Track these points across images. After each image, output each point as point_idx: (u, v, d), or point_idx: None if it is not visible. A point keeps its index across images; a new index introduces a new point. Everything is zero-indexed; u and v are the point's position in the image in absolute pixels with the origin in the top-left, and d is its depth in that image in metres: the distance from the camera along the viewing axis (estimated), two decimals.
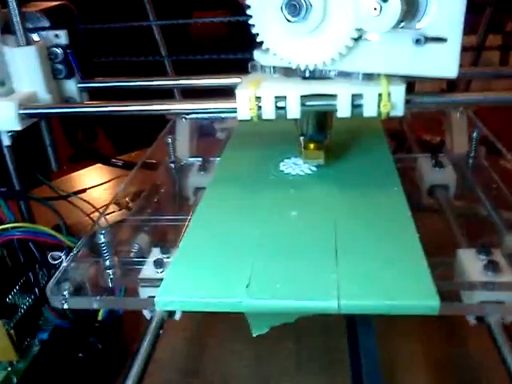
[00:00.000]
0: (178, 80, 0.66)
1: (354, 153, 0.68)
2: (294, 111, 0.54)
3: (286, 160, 0.66)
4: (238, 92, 0.54)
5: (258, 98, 0.54)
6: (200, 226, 0.51)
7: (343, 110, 0.54)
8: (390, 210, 0.52)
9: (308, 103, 0.55)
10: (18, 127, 0.56)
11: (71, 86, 0.64)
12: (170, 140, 0.72)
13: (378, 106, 0.54)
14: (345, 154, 0.68)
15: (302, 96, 0.54)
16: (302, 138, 0.62)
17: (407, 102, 0.54)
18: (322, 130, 0.62)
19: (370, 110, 0.54)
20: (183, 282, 0.42)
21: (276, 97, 0.54)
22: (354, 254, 0.44)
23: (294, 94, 0.54)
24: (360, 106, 0.54)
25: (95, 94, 0.67)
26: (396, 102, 0.53)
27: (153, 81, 0.66)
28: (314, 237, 0.47)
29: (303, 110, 0.55)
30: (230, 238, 0.48)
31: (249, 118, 0.55)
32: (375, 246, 0.45)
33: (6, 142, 0.59)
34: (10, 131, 0.57)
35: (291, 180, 0.60)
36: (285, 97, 0.54)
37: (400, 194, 0.55)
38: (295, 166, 0.64)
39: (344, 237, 0.47)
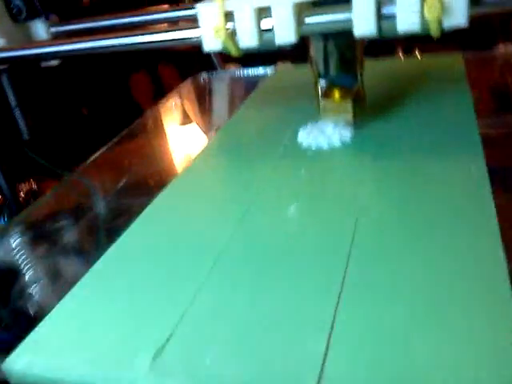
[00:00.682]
0: (153, 14, 0.50)
1: (416, 114, 0.45)
2: (285, 32, 0.35)
3: (309, 126, 0.44)
4: (200, 8, 0.36)
5: (229, 16, 0.36)
6: (142, 224, 0.35)
7: (363, 24, 0.34)
8: (462, 221, 0.30)
9: (308, 19, 0.35)
10: None
11: (38, 30, 0.51)
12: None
13: (421, 12, 0.32)
14: (400, 118, 0.45)
15: (295, 4, 0.34)
16: (320, 82, 0.42)
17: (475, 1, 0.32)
18: (348, 69, 0.41)
19: (406, 20, 0.33)
20: (56, 337, 0.26)
21: (257, 9, 0.35)
22: (372, 308, 0.25)
23: (284, 3, 0.34)
24: (390, 15, 0.33)
25: None
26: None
27: (131, 16, 0.50)
28: (312, 260, 0.28)
29: (302, 31, 0.36)
30: (169, 256, 0.31)
31: (218, 47, 0.37)
32: (425, 295, 0.25)
33: None
34: None
35: (308, 156, 0.41)
36: (269, 9, 0.35)
37: (484, 188, 0.32)
38: (319, 135, 0.42)
39: (361, 267, 0.27)
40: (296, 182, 0.37)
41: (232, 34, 0.36)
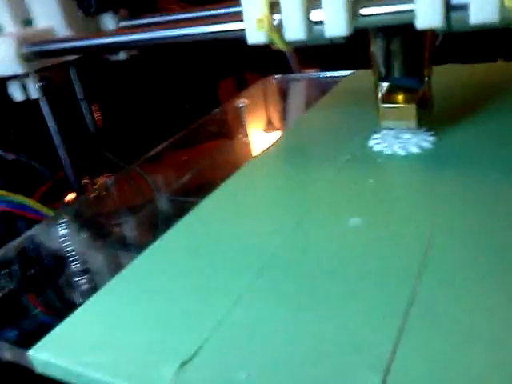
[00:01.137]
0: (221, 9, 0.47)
1: (503, 124, 0.38)
2: (336, 23, 0.31)
3: (384, 131, 0.39)
4: None
5: (275, 6, 0.32)
6: (187, 224, 0.33)
7: (426, 14, 0.29)
8: None
9: (363, 10, 0.31)
10: (20, 69, 0.47)
11: (108, 24, 0.52)
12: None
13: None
14: (490, 126, 0.38)
15: None
16: (381, 85, 0.37)
17: None
18: (413, 70, 0.36)
19: (480, 9, 0.27)
20: (81, 333, 0.24)
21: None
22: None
23: None
24: (460, 5, 0.28)
25: None
26: None
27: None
28: (371, 282, 0.24)
29: (357, 23, 0.31)
30: (211, 260, 0.28)
31: (262, 39, 0.34)
32: None
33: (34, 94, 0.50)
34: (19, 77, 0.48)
35: (379, 162, 0.37)
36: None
37: None
38: (395, 141, 0.38)
39: (430, 297, 0.22)
40: (361, 191, 0.33)
41: (277, 26, 0.33)
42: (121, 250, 0.39)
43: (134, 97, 0.65)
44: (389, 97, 0.36)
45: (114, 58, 0.53)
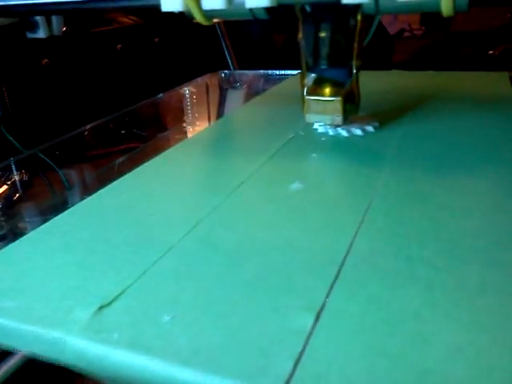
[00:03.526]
0: None
1: (454, 113, 0.40)
2: None
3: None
4: None
5: None
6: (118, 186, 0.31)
7: None
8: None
9: None
10: None
11: None
12: None
13: None
14: (438, 119, 0.40)
15: None
16: (308, 75, 0.35)
17: None
18: (342, 60, 0.34)
19: None
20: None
21: None
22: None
23: None
24: None
25: None
26: None
27: None
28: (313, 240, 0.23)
29: None
30: (143, 217, 0.27)
31: (178, 7, 0.30)
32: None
33: None
34: None
35: (323, 141, 0.36)
36: None
37: None
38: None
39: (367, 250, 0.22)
40: (304, 163, 0.33)
41: None
42: None
43: (55, 81, 0.59)
44: (315, 89, 0.33)
45: (32, 35, 0.47)
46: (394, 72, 0.58)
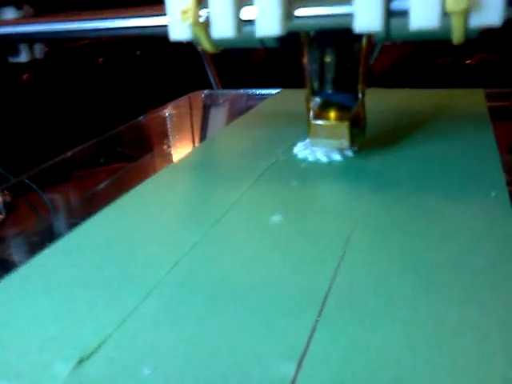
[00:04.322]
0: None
1: (429, 144, 0.39)
2: (268, 22, 0.28)
3: (308, 139, 0.38)
4: None
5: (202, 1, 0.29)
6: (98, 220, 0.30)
7: (365, 16, 0.26)
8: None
9: (298, 11, 0.28)
10: None
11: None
12: None
13: (442, 4, 0.25)
14: (415, 142, 0.40)
15: None
16: (313, 100, 0.35)
17: None
18: (348, 85, 0.34)
19: (421, 14, 0.25)
20: None
21: None
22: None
23: None
24: (400, 10, 0.26)
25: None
26: None
27: None
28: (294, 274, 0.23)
29: (291, 25, 0.28)
30: (122, 256, 0.26)
31: (187, 35, 0.30)
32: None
33: None
34: None
35: (303, 167, 0.36)
36: None
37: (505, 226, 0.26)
38: (317, 149, 0.36)
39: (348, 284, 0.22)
40: (284, 192, 0.32)
41: (205, 22, 0.29)
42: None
43: (38, 106, 0.57)
44: (321, 113, 0.33)
45: (13, 59, 0.46)
46: (372, 90, 0.58)
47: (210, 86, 0.70)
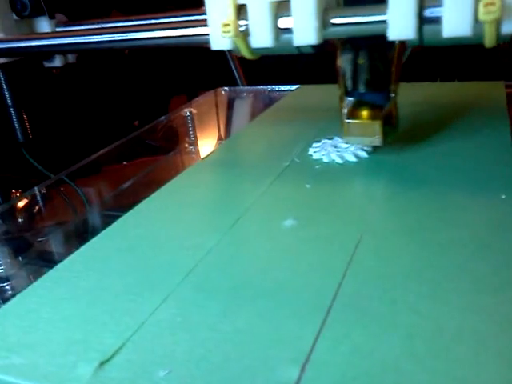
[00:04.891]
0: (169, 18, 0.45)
1: (447, 141, 0.39)
2: (305, 32, 0.29)
3: (324, 140, 0.40)
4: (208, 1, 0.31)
5: (243, 10, 0.30)
6: (121, 226, 0.32)
7: (399, 24, 0.28)
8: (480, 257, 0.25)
9: (334, 19, 0.30)
10: None
11: (43, 29, 0.48)
12: None
13: (474, 13, 0.26)
14: (430, 140, 0.40)
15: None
16: (347, 99, 0.36)
17: None
18: (380, 85, 0.35)
19: (454, 22, 0.27)
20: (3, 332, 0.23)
21: (274, 3, 0.30)
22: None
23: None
24: (433, 18, 0.27)
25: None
26: None
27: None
28: (299, 283, 0.24)
29: (327, 33, 0.30)
30: (143, 261, 0.27)
31: (227, 46, 0.31)
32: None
33: None
34: None
35: (317, 169, 0.37)
36: (286, 4, 0.29)
37: None
38: (333, 150, 0.38)
39: (353, 299, 0.23)
40: (297, 195, 0.33)
41: (244, 32, 0.31)
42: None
43: (71, 107, 0.60)
44: (354, 112, 0.35)
45: (48, 64, 0.48)
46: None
47: (234, 83, 0.71)
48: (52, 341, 0.21)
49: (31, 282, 0.26)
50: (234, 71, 0.69)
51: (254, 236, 0.29)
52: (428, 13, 0.28)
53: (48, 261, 0.36)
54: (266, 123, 0.51)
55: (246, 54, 0.31)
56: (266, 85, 0.68)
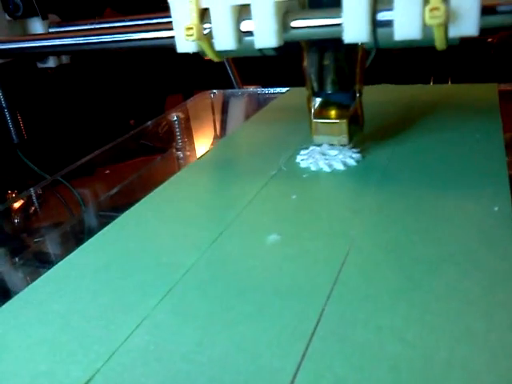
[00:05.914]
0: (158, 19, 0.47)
1: (436, 144, 0.39)
2: (266, 35, 0.31)
3: (312, 147, 0.39)
4: (172, 3, 0.32)
5: (206, 14, 0.31)
6: (98, 240, 0.31)
7: (353, 28, 0.29)
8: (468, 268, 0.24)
9: (293, 22, 0.31)
10: None
11: (37, 29, 0.49)
12: None
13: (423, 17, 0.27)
14: (419, 146, 0.39)
15: (277, 2, 0.30)
16: (314, 100, 0.37)
17: (487, 10, 0.26)
18: (346, 85, 0.36)
19: (404, 26, 0.28)
20: None
21: (236, 7, 0.31)
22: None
23: (265, 1, 0.30)
24: (385, 21, 0.28)
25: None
26: (462, 3, 0.26)
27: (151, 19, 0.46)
28: (283, 299, 0.23)
29: (287, 36, 0.31)
30: (119, 280, 0.26)
31: (192, 48, 0.33)
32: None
33: None
34: None
35: (304, 178, 0.36)
36: (247, 8, 0.30)
37: (505, 232, 0.27)
38: (321, 158, 0.38)
39: (339, 317, 0.22)
40: (283, 207, 0.32)
41: (208, 36, 0.32)
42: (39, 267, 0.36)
43: (67, 107, 0.62)
44: (321, 112, 0.36)
45: (42, 65, 0.50)
46: (383, 86, 0.56)
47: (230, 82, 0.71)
48: (15, 374, 0.20)
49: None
50: (229, 72, 0.70)
51: (235, 253, 0.27)
52: (380, 16, 0.28)
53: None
54: (253, 128, 0.50)
55: (211, 56, 0.33)
56: (261, 86, 0.69)
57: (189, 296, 0.24)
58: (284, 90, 0.62)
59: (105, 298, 0.24)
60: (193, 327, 0.22)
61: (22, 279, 0.35)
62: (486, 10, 0.27)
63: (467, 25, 0.26)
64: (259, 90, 0.66)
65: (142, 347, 0.21)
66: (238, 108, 0.67)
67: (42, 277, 0.27)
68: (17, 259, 0.36)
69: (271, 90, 0.64)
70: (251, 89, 0.69)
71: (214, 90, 0.67)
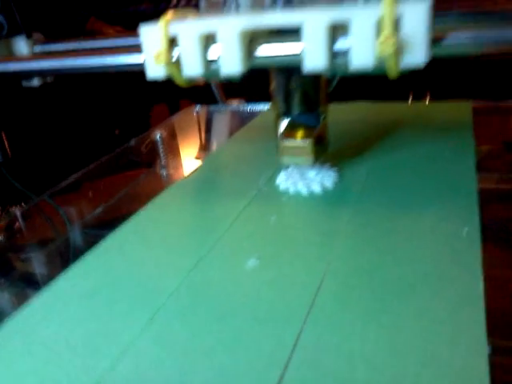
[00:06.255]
0: None
1: (411, 163, 0.41)
2: (231, 62, 0.32)
3: (291, 168, 0.40)
4: (142, 30, 0.33)
5: (175, 41, 0.33)
6: (84, 265, 0.32)
7: (313, 58, 0.30)
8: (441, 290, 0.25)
9: (257, 51, 0.32)
10: None
11: (21, 48, 0.51)
12: None
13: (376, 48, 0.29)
14: (394, 165, 0.41)
15: (243, 32, 0.31)
16: (281, 121, 0.39)
17: (437, 40, 0.28)
18: (311, 107, 0.38)
19: (359, 56, 0.29)
20: None
21: (203, 35, 0.32)
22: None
23: (230, 30, 0.31)
24: (343, 50, 0.30)
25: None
26: (411, 35, 0.28)
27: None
28: (262, 323, 0.24)
29: (252, 63, 0.32)
30: (102, 307, 0.27)
31: (161, 74, 0.34)
32: None
33: None
34: None
35: (283, 201, 0.38)
36: (213, 37, 0.32)
37: (473, 254, 0.28)
38: (300, 179, 0.39)
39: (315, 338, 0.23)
40: (262, 230, 0.33)
41: (176, 62, 0.33)
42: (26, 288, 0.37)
43: (52, 124, 0.63)
44: (288, 133, 0.37)
45: (27, 84, 0.51)
46: (357, 104, 0.57)
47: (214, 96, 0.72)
48: None
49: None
50: (213, 87, 0.71)
51: (215, 278, 0.28)
52: (338, 47, 0.30)
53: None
54: (235, 147, 0.51)
55: (179, 81, 0.34)
56: (245, 100, 0.70)
57: (170, 323, 0.25)
58: (266, 106, 0.63)
59: (90, 326, 0.25)
60: (174, 355, 0.22)
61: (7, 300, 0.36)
62: (435, 41, 0.28)
63: (416, 54, 0.28)
64: (242, 106, 0.67)
65: (124, 378, 0.21)
66: (221, 124, 0.68)
67: (27, 304, 0.28)
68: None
69: (254, 107, 0.65)
70: (235, 104, 0.71)
71: (198, 106, 0.68)
